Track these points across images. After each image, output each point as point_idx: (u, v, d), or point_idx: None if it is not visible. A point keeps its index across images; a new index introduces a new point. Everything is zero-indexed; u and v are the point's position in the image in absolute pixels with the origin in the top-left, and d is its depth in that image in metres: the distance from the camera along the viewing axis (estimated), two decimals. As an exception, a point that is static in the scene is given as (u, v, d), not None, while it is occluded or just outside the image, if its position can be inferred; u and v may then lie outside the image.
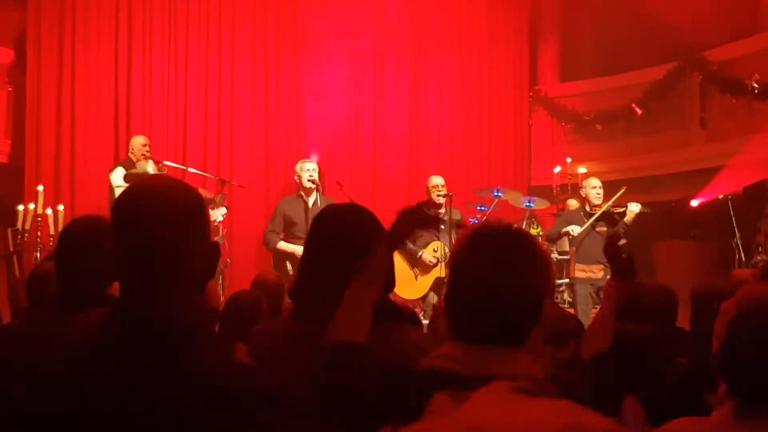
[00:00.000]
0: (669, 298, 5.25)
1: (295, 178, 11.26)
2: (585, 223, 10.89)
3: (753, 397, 2.53)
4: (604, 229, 10.83)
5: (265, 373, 2.07)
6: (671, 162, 13.66)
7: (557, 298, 12.16)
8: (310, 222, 10.18)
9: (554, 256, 12.38)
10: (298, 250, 10.40)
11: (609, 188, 11.26)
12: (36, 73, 11.89)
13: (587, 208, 11.09)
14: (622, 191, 10.93)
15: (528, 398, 1.67)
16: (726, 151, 12.88)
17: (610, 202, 10.89)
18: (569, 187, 13.14)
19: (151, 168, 10.46)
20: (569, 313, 6.65)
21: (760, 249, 11.53)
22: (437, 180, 11.58)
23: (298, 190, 11.17)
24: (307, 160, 11.27)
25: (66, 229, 3.71)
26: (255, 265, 11.88)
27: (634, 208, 10.64)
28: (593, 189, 11.02)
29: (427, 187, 11.59)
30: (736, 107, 13.09)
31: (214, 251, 2.13)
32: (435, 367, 2.21)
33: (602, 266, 10.54)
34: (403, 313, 3.11)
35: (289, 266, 10.54)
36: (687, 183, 12.91)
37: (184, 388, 1.91)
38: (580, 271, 10.73)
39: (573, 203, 12.88)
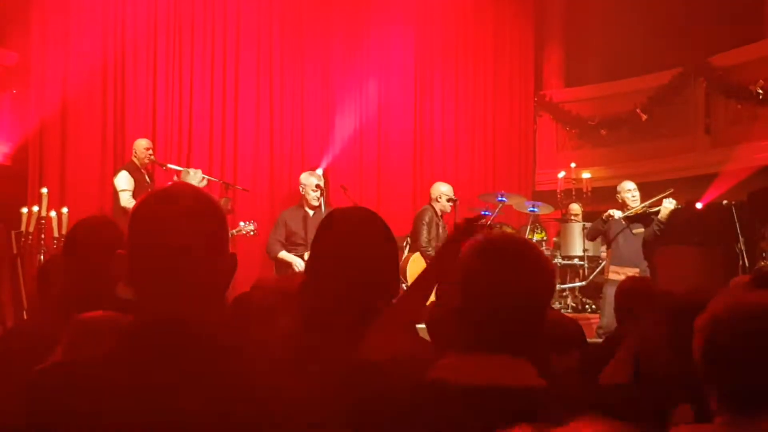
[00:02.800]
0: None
1: (300, 188, 11.15)
2: (622, 224, 10.83)
3: (744, 404, 2.51)
4: (641, 230, 10.80)
5: (287, 383, 2.07)
6: (676, 167, 13.64)
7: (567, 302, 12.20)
8: (308, 232, 10.12)
9: (558, 261, 12.38)
10: (296, 261, 10.45)
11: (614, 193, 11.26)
12: (40, 76, 11.88)
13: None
14: (669, 192, 10.85)
15: None
16: (730, 157, 12.87)
17: (648, 202, 10.83)
18: (573, 192, 13.13)
19: (195, 180, 10.41)
20: (569, 318, 6.62)
21: (764, 255, 11.51)
22: (446, 188, 11.59)
23: (301, 201, 11.08)
24: (314, 176, 11.14)
25: (73, 229, 3.70)
26: (259, 269, 11.85)
27: (668, 204, 10.58)
28: (628, 192, 10.95)
29: (436, 195, 11.53)
30: (741, 113, 13.08)
31: (231, 261, 2.12)
32: (440, 378, 2.20)
33: (637, 269, 10.49)
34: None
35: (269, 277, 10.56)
36: (691, 188, 12.89)
37: (206, 396, 1.92)
38: (614, 273, 10.63)
39: (575, 207, 12.87)
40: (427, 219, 11.09)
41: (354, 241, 2.96)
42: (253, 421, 1.93)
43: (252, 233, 10.59)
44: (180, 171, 10.84)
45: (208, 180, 10.89)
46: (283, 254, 10.73)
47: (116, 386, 1.91)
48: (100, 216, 3.65)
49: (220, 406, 1.92)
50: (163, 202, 2.07)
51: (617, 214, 10.82)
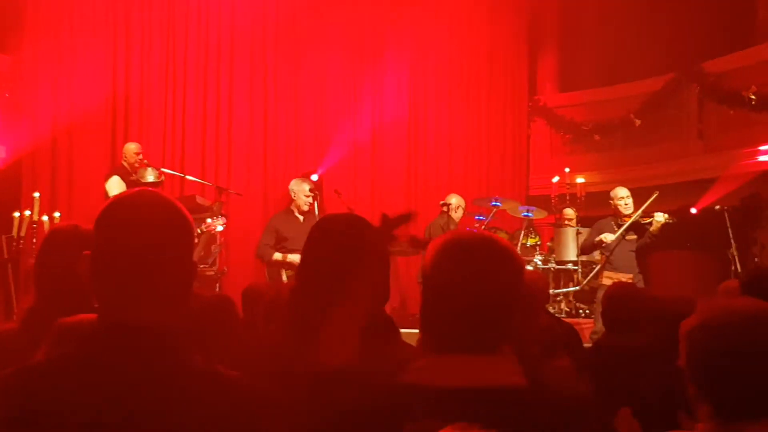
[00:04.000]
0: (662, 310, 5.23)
1: (291, 194, 11.11)
2: (616, 232, 10.84)
3: (731, 412, 2.52)
4: (634, 237, 10.80)
5: (251, 384, 2.08)
6: (669, 173, 13.66)
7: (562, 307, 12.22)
8: (303, 236, 10.17)
9: (552, 266, 12.39)
10: (292, 257, 10.40)
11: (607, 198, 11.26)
12: (33, 80, 11.87)
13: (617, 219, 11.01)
14: (653, 197, 10.86)
15: None
16: (723, 163, 12.90)
17: (639, 211, 10.81)
18: (567, 197, 13.13)
19: (151, 176, 10.43)
20: (565, 323, 6.63)
21: (756, 260, 11.53)
22: (457, 199, 11.80)
23: (291, 206, 11.05)
24: (306, 182, 11.11)
25: (45, 239, 3.70)
26: (252, 273, 11.86)
27: (659, 218, 10.57)
28: (621, 200, 10.91)
29: (449, 205, 11.76)
30: (734, 119, 13.09)
31: (191, 267, 2.13)
32: (413, 382, 2.19)
33: (630, 275, 10.50)
34: (398, 331, 3.08)
35: (284, 276, 10.51)
36: (684, 194, 12.90)
37: (167, 399, 1.93)
38: (608, 279, 10.64)
39: (569, 212, 12.86)
40: (441, 222, 11.33)
41: (345, 246, 2.97)
42: (215, 427, 1.95)
43: (220, 227, 10.43)
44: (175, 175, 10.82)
45: (165, 174, 10.92)
46: (277, 255, 10.69)
47: (75, 388, 1.92)
48: (72, 224, 3.63)
49: (179, 409, 1.93)
50: (126, 207, 2.09)
51: (609, 237, 10.81)
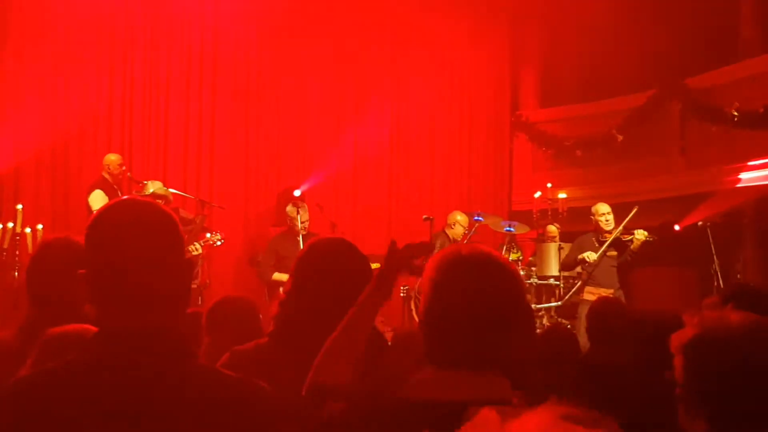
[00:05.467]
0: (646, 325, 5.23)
1: (287, 218, 11.21)
2: (598, 249, 10.86)
3: (727, 426, 2.51)
4: (615, 253, 10.82)
5: (257, 384, 2.11)
6: (651, 188, 13.70)
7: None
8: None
9: (533, 281, 12.39)
10: None
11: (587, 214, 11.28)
12: (16, 91, 11.80)
13: (598, 235, 11.03)
14: (633, 212, 10.88)
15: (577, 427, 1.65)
16: (706, 179, 12.94)
17: (620, 227, 10.82)
18: (549, 213, 13.15)
19: (158, 189, 10.41)
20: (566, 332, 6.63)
21: (738, 276, 11.56)
22: (461, 217, 11.99)
23: (289, 228, 11.18)
24: (297, 206, 11.14)
25: (36, 252, 3.69)
26: (232, 286, 11.86)
27: (640, 236, 10.59)
28: (602, 216, 10.93)
29: (452, 222, 12.01)
30: (716, 135, 13.13)
31: (188, 267, 2.16)
32: (413, 397, 2.19)
33: (611, 290, 10.53)
34: (387, 343, 3.11)
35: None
36: (667, 210, 12.94)
37: (176, 400, 1.96)
38: (589, 294, 10.67)
39: (552, 229, 12.87)
40: (438, 244, 11.27)
41: (336, 269, 3.07)
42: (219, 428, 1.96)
43: (219, 243, 10.51)
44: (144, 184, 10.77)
45: (173, 193, 10.90)
46: (278, 275, 10.75)
47: (85, 395, 1.93)
48: (63, 237, 3.63)
49: (185, 412, 1.94)
50: (115, 216, 2.11)
51: (592, 257, 10.84)
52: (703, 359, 2.53)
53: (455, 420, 1.90)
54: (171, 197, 10.56)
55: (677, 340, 2.60)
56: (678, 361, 2.58)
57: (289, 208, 11.15)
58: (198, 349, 4.03)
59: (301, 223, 10.90)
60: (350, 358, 2.67)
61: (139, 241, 2.04)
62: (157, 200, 10.00)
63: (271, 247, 11.09)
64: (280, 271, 10.75)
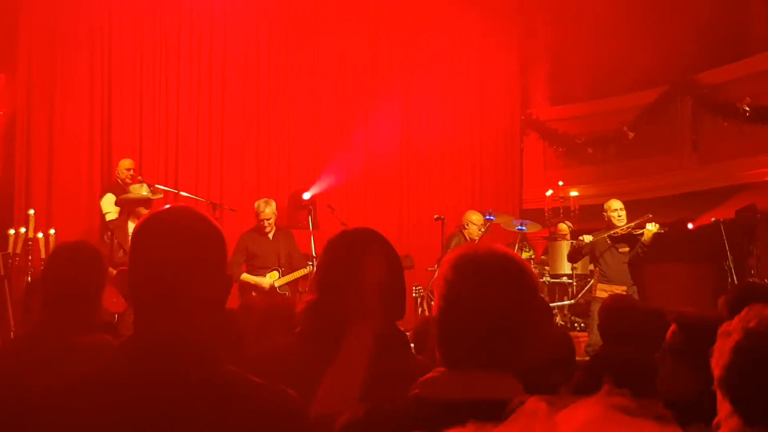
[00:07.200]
0: (659, 322, 5.21)
1: (256, 215, 11.09)
2: (609, 244, 10.83)
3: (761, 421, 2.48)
4: (627, 249, 10.79)
5: (285, 391, 2.14)
6: (663, 185, 13.68)
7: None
8: (272, 254, 10.16)
9: (546, 279, 12.37)
10: (261, 281, 10.65)
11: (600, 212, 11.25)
12: (27, 98, 11.83)
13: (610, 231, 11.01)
14: (646, 217, 10.83)
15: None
16: (718, 174, 12.90)
17: (631, 224, 10.80)
18: (561, 211, 13.13)
19: (145, 191, 10.43)
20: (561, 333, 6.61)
21: (752, 272, 11.51)
22: (476, 216, 11.83)
23: (258, 225, 11.04)
24: (266, 204, 11.08)
25: (52, 255, 3.71)
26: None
27: (651, 227, 10.55)
28: (614, 212, 10.89)
29: (466, 222, 11.81)
30: (728, 130, 13.10)
31: (227, 281, 2.19)
32: (423, 396, 2.19)
33: (624, 287, 10.50)
34: (409, 341, 3.09)
35: (253, 294, 10.54)
36: (679, 206, 12.90)
37: (206, 408, 1.99)
38: (602, 291, 10.63)
39: (564, 227, 12.86)
40: (453, 243, 11.25)
41: (353, 258, 2.98)
42: None
43: None
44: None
45: (161, 191, 10.92)
46: (246, 276, 10.72)
47: (109, 401, 1.95)
48: (79, 241, 3.65)
49: (210, 420, 1.97)
50: (162, 223, 2.15)
51: (587, 238, 10.83)
52: (748, 352, 2.49)
53: (466, 419, 1.89)
54: (152, 201, 10.49)
55: (723, 331, 2.56)
56: (723, 355, 2.53)
57: (257, 203, 11.09)
58: (237, 347, 4.06)
59: (266, 219, 10.83)
60: (354, 383, 2.67)
61: (183, 249, 2.08)
62: (140, 207, 10.12)
63: (240, 245, 10.91)
64: (250, 269, 10.73)
